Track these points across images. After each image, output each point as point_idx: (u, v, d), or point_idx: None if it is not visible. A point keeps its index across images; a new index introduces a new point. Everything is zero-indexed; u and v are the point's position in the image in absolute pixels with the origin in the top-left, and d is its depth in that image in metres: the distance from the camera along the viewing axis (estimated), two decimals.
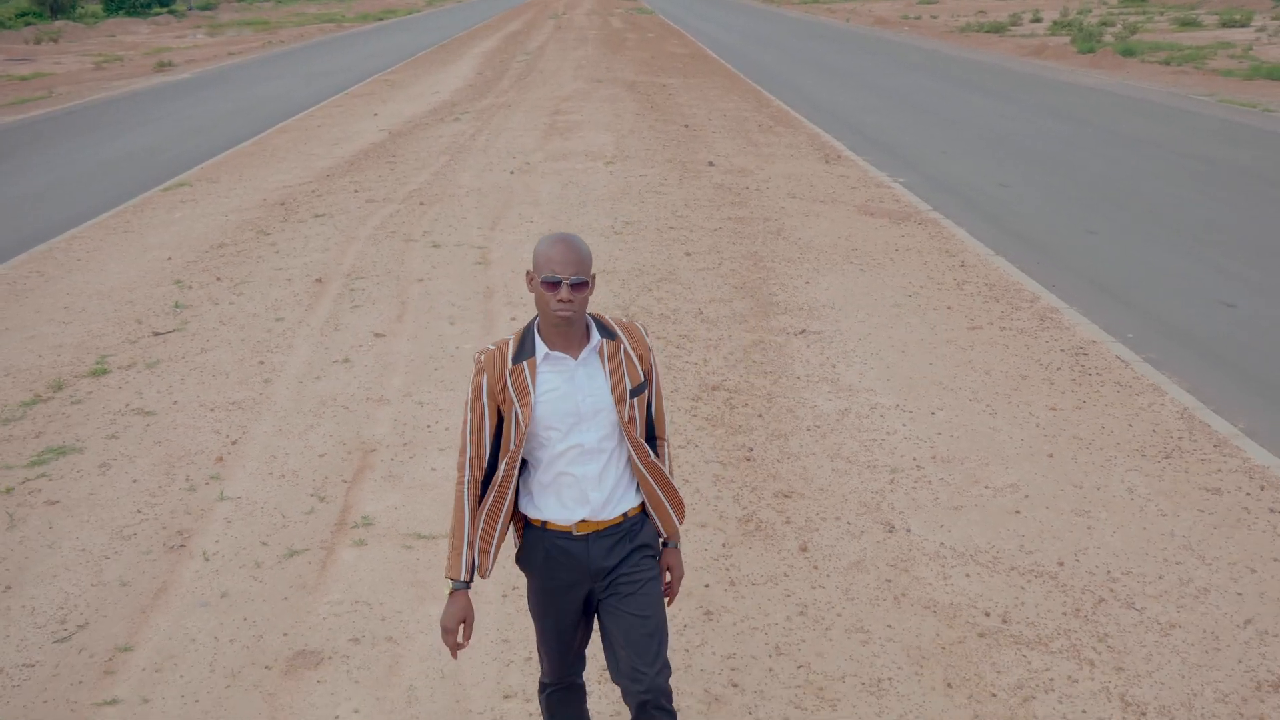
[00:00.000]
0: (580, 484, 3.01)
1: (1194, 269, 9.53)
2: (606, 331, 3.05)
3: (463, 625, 3.05)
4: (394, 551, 5.07)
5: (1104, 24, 33.00)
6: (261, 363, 7.48)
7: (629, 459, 3.07)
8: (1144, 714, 4.05)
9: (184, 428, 6.48)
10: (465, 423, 3.05)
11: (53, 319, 8.73)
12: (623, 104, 19.89)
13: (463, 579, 3.04)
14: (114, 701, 4.10)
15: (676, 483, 3.56)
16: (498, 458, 3.04)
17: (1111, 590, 4.81)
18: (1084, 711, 4.04)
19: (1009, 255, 9.89)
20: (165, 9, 60.65)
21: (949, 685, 4.18)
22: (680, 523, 3.19)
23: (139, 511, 5.52)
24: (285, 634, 4.48)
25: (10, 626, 4.59)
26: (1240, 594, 4.80)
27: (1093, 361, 7.40)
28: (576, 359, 2.98)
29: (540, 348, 2.97)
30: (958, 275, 9.30)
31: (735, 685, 4.16)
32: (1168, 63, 23.56)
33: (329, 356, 7.53)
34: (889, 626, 4.53)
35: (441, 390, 6.91)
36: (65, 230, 11.83)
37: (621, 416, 2.99)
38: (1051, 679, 4.20)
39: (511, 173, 13.68)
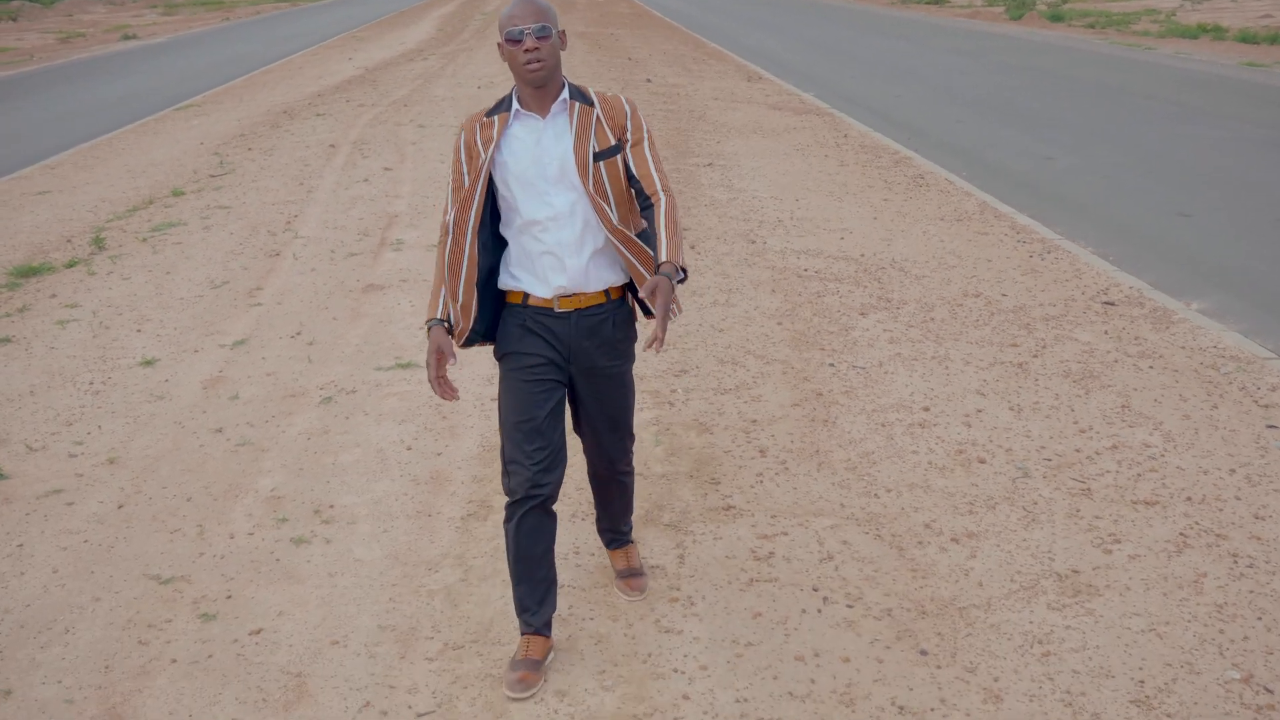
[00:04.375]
0: (556, 252, 2.92)
1: (1022, 139, 12.29)
2: (582, 96, 2.96)
3: (439, 356, 2.96)
4: (421, 252, 7.65)
5: None
6: (301, 184, 10.02)
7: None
8: (889, 302, 6.72)
9: (255, 212, 9.01)
10: (448, 184, 3.05)
11: (121, 176, 11.16)
12: (574, 46, 22.45)
13: (438, 317, 3.02)
14: (260, 304, 6.66)
15: (683, 236, 3.82)
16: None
17: (893, 264, 7.49)
18: (855, 303, 6.70)
19: (886, 133, 12.61)
20: None
21: (774, 292, 6.84)
22: (662, 268, 2.83)
23: (240, 244, 8.06)
24: (358, 280, 7.06)
25: (178, 284, 7.13)
26: (975, 266, 7.48)
27: (927, 181, 10.09)
28: (545, 117, 2.92)
29: (515, 104, 2.93)
30: (839, 141, 12.00)
31: None
32: (1092, 26, 25.72)
33: (352, 178, 10.09)
34: (750, 269, 7.20)
35: (442, 193, 9.48)
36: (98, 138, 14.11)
37: (584, 181, 2.88)
38: (839, 294, 6.85)
39: (479, 88, 16.21)
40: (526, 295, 3.00)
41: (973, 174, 10.42)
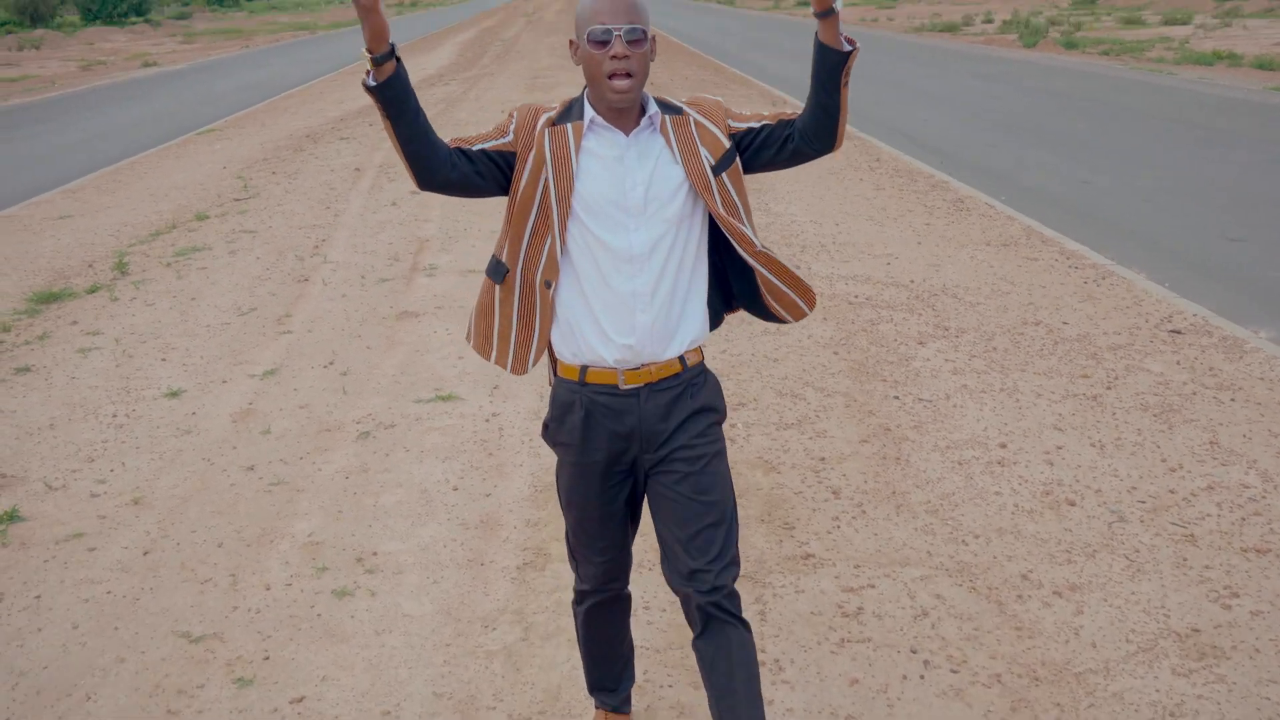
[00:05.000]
0: (625, 303, 2.34)
1: (1056, 162, 11.98)
2: (667, 105, 2.42)
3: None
4: (455, 277, 7.37)
5: (1052, 22, 35.20)
6: (328, 208, 9.76)
7: (692, 269, 2.42)
8: (947, 331, 6.40)
9: (282, 237, 8.75)
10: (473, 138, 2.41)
11: (144, 200, 10.92)
12: None
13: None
14: (289, 332, 6.37)
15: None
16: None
17: (945, 290, 7.17)
18: (912, 331, 6.38)
19: (918, 157, 12.31)
20: (142, 19, 62.40)
21: (826, 320, 6.52)
22: (809, 310, 2.55)
23: (267, 269, 7.78)
24: (391, 306, 6.78)
25: (204, 311, 6.85)
26: (1030, 293, 7.16)
27: (967, 206, 9.78)
28: (629, 136, 2.36)
29: (589, 112, 2.35)
30: (872, 165, 11.71)
31: None
32: (1107, 53, 25.59)
33: (379, 202, 9.84)
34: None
35: (472, 215, 9.21)
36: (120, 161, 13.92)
37: (711, 202, 2.35)
38: (894, 321, 6.53)
39: (502, 111, 15.98)
40: (585, 369, 2.39)
41: (1011, 198, 10.10)
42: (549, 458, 4.23)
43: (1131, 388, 5.48)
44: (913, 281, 7.31)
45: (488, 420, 5.09)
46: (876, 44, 30.39)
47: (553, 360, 2.49)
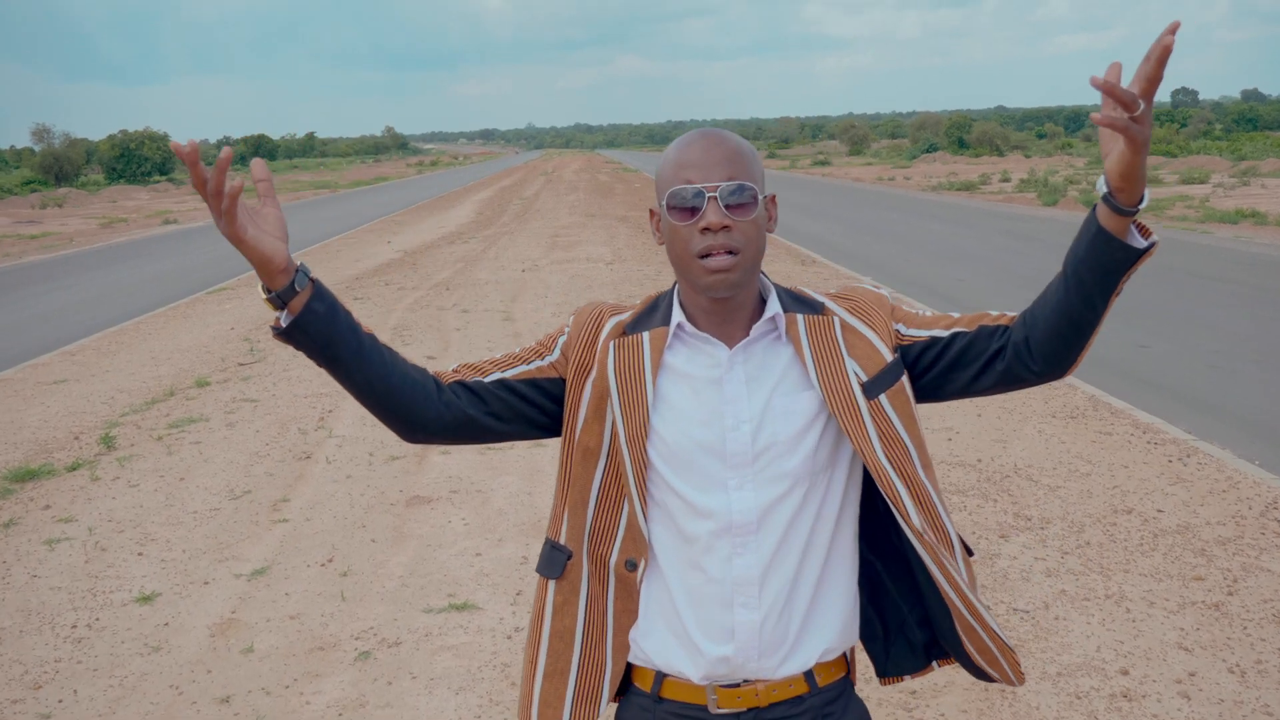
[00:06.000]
0: (721, 594, 1.64)
1: (1105, 324, 11.40)
2: (800, 300, 1.72)
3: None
4: (473, 455, 6.68)
5: (1069, 181, 35.44)
6: None
7: (829, 544, 1.69)
8: (1030, 521, 5.65)
9: (286, 407, 8.11)
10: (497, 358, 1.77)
11: (145, 364, 10.37)
12: (616, 230, 22.07)
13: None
14: (285, 520, 5.65)
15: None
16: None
17: (1017, 471, 6.45)
18: (991, 522, 5.64)
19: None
20: (165, 177, 63.79)
21: None
22: (1016, 679, 1.78)
23: (267, 445, 7.11)
24: (401, 490, 6.07)
25: (192, 494, 6.15)
26: (1112, 474, 6.44)
27: None
28: (733, 347, 1.67)
29: (677, 314, 1.69)
30: None
31: None
32: None
33: None
34: None
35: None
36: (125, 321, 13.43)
37: (862, 441, 1.62)
38: (968, 509, 5.80)
39: (523, 270, 15.60)
40: (660, 676, 1.68)
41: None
42: None
43: (1256, 593, 4.71)
44: (980, 461, 6.59)
45: (510, 636, 4.32)
46: (899, 202, 30.39)
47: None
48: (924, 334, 1.69)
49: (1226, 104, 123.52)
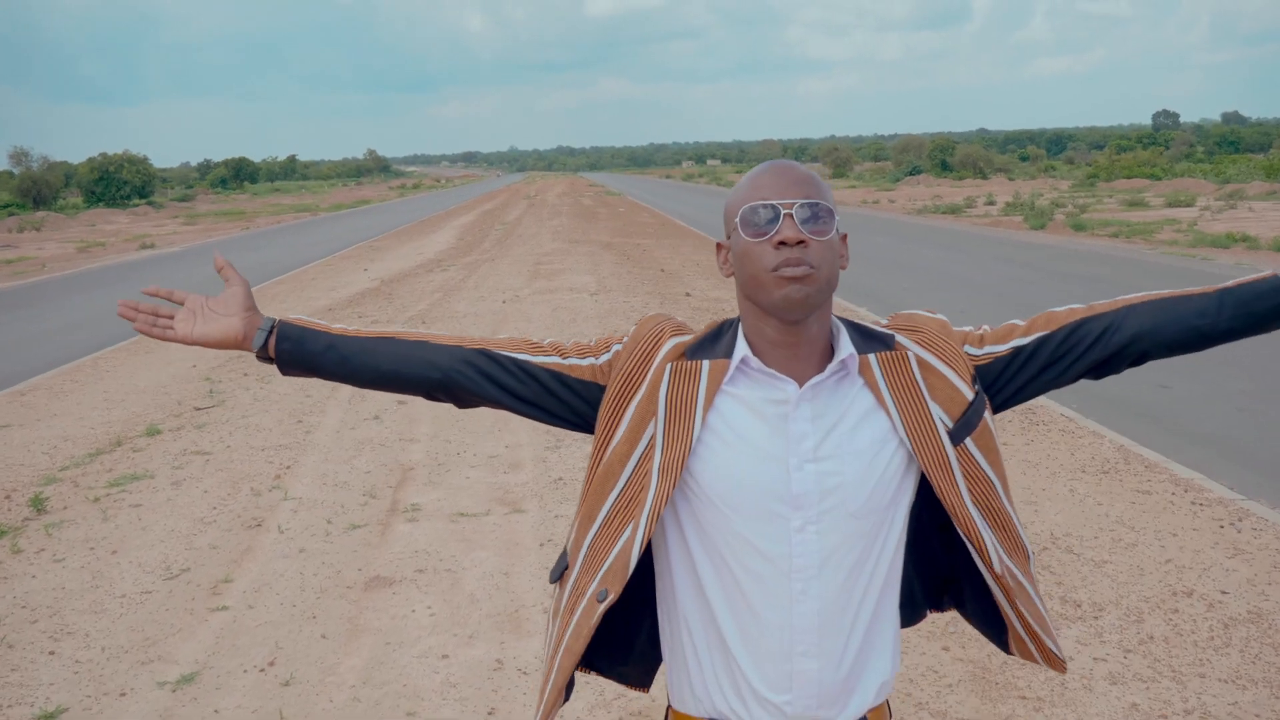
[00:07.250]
0: (780, 640, 1.56)
1: None
2: (870, 336, 1.64)
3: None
4: (442, 524, 5.93)
5: (1055, 205, 35.16)
6: (299, 422, 8.40)
7: (883, 584, 1.64)
8: (1080, 608, 4.94)
9: (240, 461, 7.35)
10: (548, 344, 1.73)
11: (96, 407, 9.60)
12: (600, 257, 21.38)
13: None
14: (224, 608, 4.89)
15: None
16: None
17: (1055, 542, 5.75)
18: None
19: None
20: (144, 200, 62.94)
21: None
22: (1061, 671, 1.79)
23: (214, 508, 6.35)
24: (359, 569, 5.31)
25: (123, 572, 5.39)
26: (1161, 544, 5.74)
27: (1040, 418, 8.47)
28: (802, 386, 1.57)
29: (741, 347, 1.59)
30: None
31: None
32: (1116, 235, 25.25)
33: (360, 415, 8.47)
34: None
35: (466, 434, 7.84)
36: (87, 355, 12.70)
37: (950, 490, 1.57)
38: None
39: (504, 302, 14.88)
40: None
41: (1084, 405, 8.80)
42: None
43: None
44: None
45: None
46: (886, 226, 29.78)
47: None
48: (1003, 348, 1.69)
49: (1207, 126, 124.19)
